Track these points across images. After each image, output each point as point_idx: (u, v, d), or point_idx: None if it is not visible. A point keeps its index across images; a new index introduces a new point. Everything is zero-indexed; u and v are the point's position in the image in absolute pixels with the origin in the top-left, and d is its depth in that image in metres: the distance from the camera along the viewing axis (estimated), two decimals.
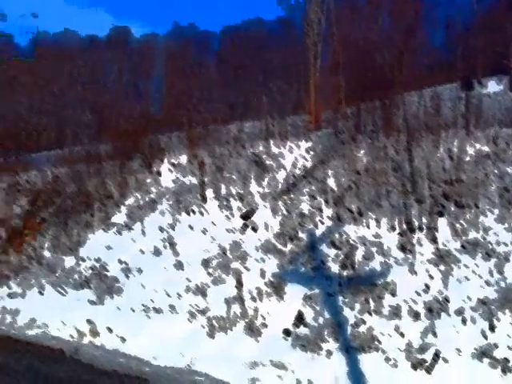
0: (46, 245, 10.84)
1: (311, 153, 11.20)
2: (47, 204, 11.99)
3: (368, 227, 8.68)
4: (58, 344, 7.85)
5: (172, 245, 9.51)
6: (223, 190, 10.59)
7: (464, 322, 6.58)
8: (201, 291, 8.19)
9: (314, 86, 16.11)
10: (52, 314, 8.55)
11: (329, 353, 6.60)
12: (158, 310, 8.07)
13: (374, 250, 8.13)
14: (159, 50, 44.29)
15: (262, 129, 13.02)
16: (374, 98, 12.17)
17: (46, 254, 10.59)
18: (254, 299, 7.78)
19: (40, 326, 8.44)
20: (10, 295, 9.56)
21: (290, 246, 8.73)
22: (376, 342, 6.55)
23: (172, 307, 8.03)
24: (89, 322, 8.07)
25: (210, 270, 8.59)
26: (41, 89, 23.22)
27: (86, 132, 23.96)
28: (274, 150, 11.54)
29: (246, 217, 9.69)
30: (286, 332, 7.06)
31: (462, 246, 7.80)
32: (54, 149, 18.61)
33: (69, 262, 10.04)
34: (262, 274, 8.18)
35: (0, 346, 8.04)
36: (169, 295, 8.28)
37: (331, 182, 9.92)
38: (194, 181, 11.09)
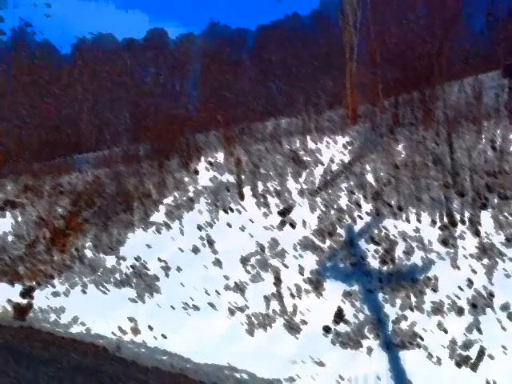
0: (88, 244, 11.11)
1: (349, 147, 11.03)
2: (88, 204, 12.29)
3: (408, 222, 8.48)
4: (101, 341, 8.04)
5: (210, 243, 9.56)
6: (260, 187, 10.57)
7: (510, 318, 6.35)
8: (239, 288, 8.21)
9: (351, 78, 15.85)
10: (94, 311, 8.77)
11: (369, 350, 6.51)
12: (197, 308, 8.15)
13: (414, 244, 7.94)
14: (195, 50, 44.61)
15: (299, 125, 12.88)
16: (412, 89, 11.85)
17: (88, 253, 10.85)
18: (292, 296, 7.74)
19: (83, 323, 8.67)
20: (54, 294, 9.84)
21: (328, 242, 8.63)
22: (418, 339, 6.40)
23: (211, 305, 8.08)
24: (130, 319, 8.23)
25: (249, 268, 8.60)
26: (81, 92, 23.80)
27: (124, 133, 24.40)
28: (311, 145, 11.41)
29: (283, 213, 9.64)
30: (326, 329, 7.00)
31: (507, 239, 7.52)
32: (94, 150, 19.01)
33: (110, 260, 10.26)
34: (301, 270, 8.13)
35: (47, 342, 8.29)
36: (208, 293, 8.33)
37: (369, 177, 9.74)
38: (231, 179, 11.10)
